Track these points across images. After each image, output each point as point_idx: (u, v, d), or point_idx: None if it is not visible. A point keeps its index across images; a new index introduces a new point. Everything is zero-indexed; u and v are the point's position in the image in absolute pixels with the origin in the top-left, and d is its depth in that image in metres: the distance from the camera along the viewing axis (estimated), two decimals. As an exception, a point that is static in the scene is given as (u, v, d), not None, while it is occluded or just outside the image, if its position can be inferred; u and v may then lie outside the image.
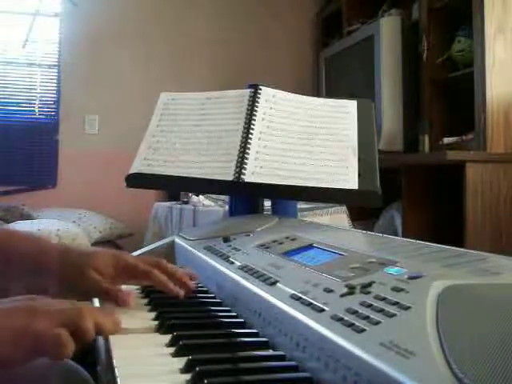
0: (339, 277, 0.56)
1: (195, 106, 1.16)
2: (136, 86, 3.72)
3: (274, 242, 0.79)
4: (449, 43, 2.68)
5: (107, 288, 0.69)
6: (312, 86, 3.95)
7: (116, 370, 0.48)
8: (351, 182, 0.99)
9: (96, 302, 0.75)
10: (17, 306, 0.54)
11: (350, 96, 1.32)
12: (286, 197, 1.15)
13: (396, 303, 0.45)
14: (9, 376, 0.54)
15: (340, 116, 1.13)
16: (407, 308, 0.44)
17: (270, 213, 1.22)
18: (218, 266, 0.77)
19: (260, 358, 0.52)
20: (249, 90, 1.15)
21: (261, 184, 0.99)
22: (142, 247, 1.17)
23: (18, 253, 0.72)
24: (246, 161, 1.01)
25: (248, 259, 0.74)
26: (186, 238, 1.03)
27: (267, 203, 1.24)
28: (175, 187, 1.50)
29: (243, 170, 0.99)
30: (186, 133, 1.11)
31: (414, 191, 2.78)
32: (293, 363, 0.50)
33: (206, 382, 0.44)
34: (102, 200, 3.48)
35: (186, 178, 1.02)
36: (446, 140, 2.63)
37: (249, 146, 1.03)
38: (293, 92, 1.17)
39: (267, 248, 0.77)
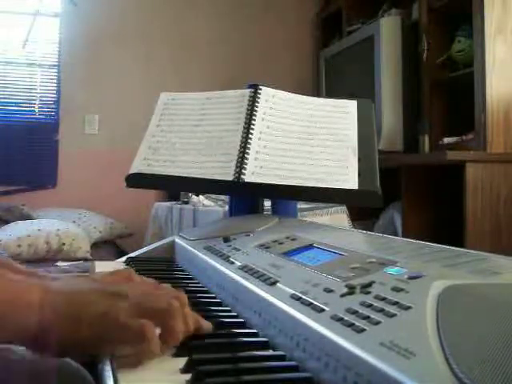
0: (339, 277, 0.56)
1: (195, 106, 1.16)
2: (136, 86, 3.72)
3: (274, 241, 0.79)
4: (449, 43, 2.68)
5: None
6: (312, 86, 3.95)
7: (116, 369, 0.48)
8: (351, 182, 0.99)
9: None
10: (98, 287, 0.53)
11: (350, 96, 1.32)
12: (286, 197, 1.15)
13: (396, 303, 0.45)
14: (8, 375, 0.53)
15: (340, 116, 1.13)
16: (407, 308, 0.44)
17: (270, 213, 1.22)
18: (218, 265, 0.77)
19: (260, 358, 0.52)
20: (249, 90, 1.14)
21: (261, 184, 0.99)
22: (142, 247, 1.17)
23: None
24: (245, 161, 1.01)
25: (248, 259, 0.74)
26: (186, 238, 1.04)
27: (267, 203, 1.24)
28: (175, 187, 1.50)
29: (243, 170, 0.99)
30: (186, 133, 1.11)
31: (413, 191, 2.78)
32: (293, 363, 0.50)
33: (206, 381, 0.44)
34: (102, 200, 3.48)
35: (186, 177, 1.02)
36: (446, 140, 2.63)
37: (249, 146, 1.03)
38: (293, 92, 1.17)
39: (267, 248, 0.77)
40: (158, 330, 0.51)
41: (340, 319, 0.46)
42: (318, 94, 3.59)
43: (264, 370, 0.48)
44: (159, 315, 0.52)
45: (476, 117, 2.42)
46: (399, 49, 2.90)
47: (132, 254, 1.12)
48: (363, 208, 2.70)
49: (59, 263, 2.59)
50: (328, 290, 0.53)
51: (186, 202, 2.63)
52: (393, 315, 0.43)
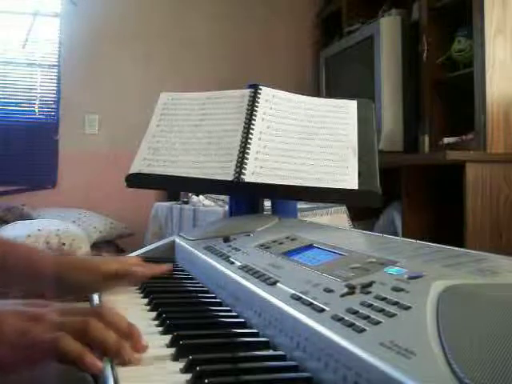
0: (339, 277, 0.56)
1: (195, 106, 1.16)
2: (136, 86, 3.73)
3: (274, 242, 0.79)
4: (449, 43, 2.68)
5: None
6: (312, 86, 3.95)
7: (116, 369, 0.48)
8: (351, 182, 0.99)
9: (96, 300, 0.75)
10: (17, 310, 0.53)
11: (349, 96, 1.31)
12: (286, 197, 1.15)
13: (396, 303, 0.45)
14: (7, 375, 0.53)
15: (340, 116, 1.13)
16: (407, 308, 0.44)
17: (270, 213, 1.22)
18: (218, 265, 0.77)
19: (260, 358, 0.52)
20: (249, 90, 1.14)
21: (261, 184, 0.99)
22: (142, 247, 1.17)
23: (13, 259, 0.73)
24: (246, 161, 1.01)
25: (248, 259, 0.74)
26: (186, 238, 1.04)
27: (267, 203, 1.24)
28: (175, 187, 1.50)
29: (243, 170, 0.99)
30: (186, 133, 1.11)
31: (414, 191, 2.78)
32: (293, 363, 0.50)
33: (206, 381, 0.44)
34: (102, 200, 3.49)
35: (186, 177, 1.02)
36: (446, 140, 2.63)
37: (249, 146, 1.03)
38: (293, 92, 1.17)
39: (267, 248, 0.77)
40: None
41: (340, 319, 0.46)
42: (318, 94, 3.59)
43: (264, 370, 0.48)
44: (78, 330, 0.51)
45: (476, 117, 2.42)
46: (399, 49, 2.90)
47: (132, 254, 1.12)
48: (363, 208, 2.70)
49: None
50: (328, 290, 0.53)
51: (186, 202, 2.63)
52: (393, 315, 0.43)
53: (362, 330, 0.43)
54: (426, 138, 2.76)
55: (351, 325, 0.44)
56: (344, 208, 2.43)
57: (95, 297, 0.75)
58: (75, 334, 0.51)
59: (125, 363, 0.50)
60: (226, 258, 0.78)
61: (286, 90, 1.17)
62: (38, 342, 0.49)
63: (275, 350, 0.54)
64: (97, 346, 0.51)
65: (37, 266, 0.72)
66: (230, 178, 0.99)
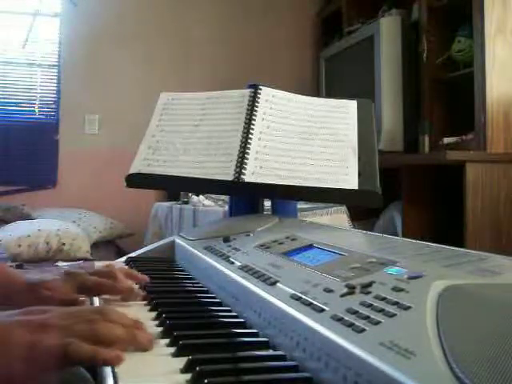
0: (339, 277, 0.56)
1: (195, 106, 1.16)
2: (136, 86, 3.72)
3: (274, 241, 0.79)
4: (449, 43, 2.68)
5: (61, 299, 0.71)
6: (312, 86, 3.95)
7: (116, 369, 0.48)
8: (351, 182, 0.99)
9: (96, 302, 0.75)
10: (20, 320, 0.52)
11: (349, 96, 1.31)
12: (286, 197, 1.15)
13: (396, 303, 0.45)
14: (7, 375, 0.53)
15: (340, 116, 1.13)
16: (407, 308, 0.44)
17: (269, 213, 1.22)
18: (218, 265, 0.77)
19: (260, 358, 0.52)
20: (249, 90, 1.14)
21: (261, 184, 0.99)
22: (142, 247, 1.17)
23: None
24: (245, 161, 1.01)
25: (248, 259, 0.74)
26: (186, 238, 1.04)
27: (267, 203, 1.24)
28: (175, 187, 1.50)
29: (243, 170, 0.99)
30: (186, 133, 1.11)
31: (414, 191, 2.79)
32: (293, 363, 0.50)
33: (206, 381, 0.44)
34: (102, 200, 3.48)
35: (186, 177, 1.02)
36: (446, 140, 2.63)
37: (249, 146, 1.03)
38: (293, 92, 1.17)
39: (267, 248, 0.77)
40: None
41: (340, 319, 0.46)
42: (318, 94, 3.59)
43: (264, 370, 0.48)
44: (87, 331, 0.51)
45: (476, 117, 2.42)
46: (399, 49, 2.90)
47: (132, 254, 1.12)
48: (363, 208, 2.70)
49: (59, 263, 2.59)
50: (328, 290, 0.53)
51: (186, 202, 2.63)
52: (393, 315, 0.43)
53: (362, 330, 0.43)
54: (426, 138, 2.76)
55: (351, 325, 0.44)
56: (344, 208, 2.43)
57: (96, 299, 0.75)
58: (84, 336, 0.50)
59: (142, 347, 0.53)
60: (225, 258, 0.78)
61: (286, 90, 1.17)
62: (49, 351, 0.48)
63: (275, 350, 0.54)
64: (108, 341, 0.51)
65: (8, 291, 0.73)
66: (230, 178, 0.99)
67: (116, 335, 0.52)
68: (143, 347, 0.53)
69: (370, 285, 0.51)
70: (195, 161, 1.04)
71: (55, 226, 2.81)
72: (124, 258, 1.08)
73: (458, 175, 2.31)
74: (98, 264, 1.00)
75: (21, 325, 0.51)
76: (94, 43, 3.67)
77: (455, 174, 2.33)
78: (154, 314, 0.67)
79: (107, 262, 0.91)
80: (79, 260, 2.71)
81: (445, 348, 0.36)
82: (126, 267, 0.92)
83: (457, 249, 0.61)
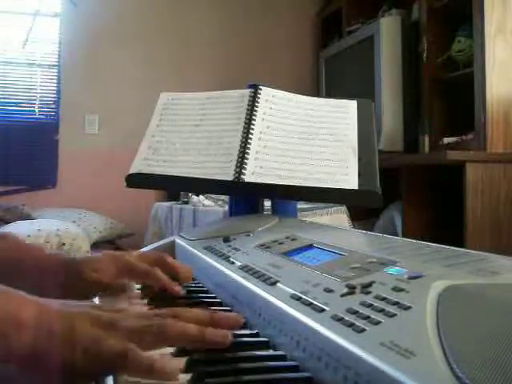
0: (339, 277, 0.56)
1: (195, 106, 1.16)
2: (136, 86, 3.73)
3: (274, 241, 0.79)
4: (449, 43, 2.68)
5: (107, 283, 0.70)
6: (312, 86, 3.95)
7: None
8: (351, 182, 0.99)
9: (96, 300, 0.75)
10: (91, 313, 0.50)
11: (349, 96, 1.32)
12: (286, 197, 1.15)
13: (396, 303, 0.45)
14: (8, 374, 0.53)
15: (340, 116, 1.13)
16: (407, 308, 0.44)
17: (269, 213, 1.22)
18: (218, 265, 0.77)
19: (260, 358, 0.52)
20: (249, 90, 1.14)
21: (261, 184, 0.99)
22: (142, 247, 1.17)
23: (27, 264, 0.72)
24: (245, 161, 1.01)
25: (248, 259, 0.74)
26: (186, 238, 1.03)
27: (267, 203, 1.24)
28: (175, 187, 1.50)
29: (243, 170, 0.99)
30: (186, 133, 1.11)
31: (414, 191, 2.79)
32: (293, 363, 0.50)
33: (206, 381, 0.44)
34: (102, 200, 3.49)
35: (185, 177, 1.02)
36: (446, 140, 2.63)
37: (249, 146, 1.03)
38: (293, 92, 1.17)
39: (267, 248, 0.77)
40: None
41: (340, 319, 0.46)
42: (318, 94, 3.60)
43: (264, 370, 0.48)
44: (156, 334, 0.50)
45: (476, 117, 2.42)
46: (399, 49, 2.90)
47: (135, 252, 1.12)
48: (363, 208, 2.71)
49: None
50: (328, 290, 0.53)
51: (186, 202, 2.63)
52: (393, 315, 0.43)
53: (362, 330, 0.43)
54: (426, 138, 2.76)
55: (351, 325, 0.44)
56: (344, 208, 2.43)
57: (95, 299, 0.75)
58: (153, 340, 0.49)
59: (215, 344, 0.50)
60: (225, 258, 0.78)
61: (286, 90, 1.17)
62: (107, 351, 0.47)
63: (275, 350, 0.54)
64: (178, 341, 0.51)
65: (44, 267, 0.71)
66: (229, 177, 0.99)
67: (185, 333, 0.50)
68: (215, 343, 0.50)
69: (370, 285, 0.51)
70: (195, 161, 1.04)
71: (55, 225, 2.81)
72: (124, 258, 1.08)
73: (457, 175, 2.31)
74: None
75: (91, 317, 0.50)
76: (93, 43, 3.67)
77: (455, 174, 2.34)
78: (154, 314, 0.67)
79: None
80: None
81: (445, 348, 0.36)
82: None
83: (457, 249, 0.61)
